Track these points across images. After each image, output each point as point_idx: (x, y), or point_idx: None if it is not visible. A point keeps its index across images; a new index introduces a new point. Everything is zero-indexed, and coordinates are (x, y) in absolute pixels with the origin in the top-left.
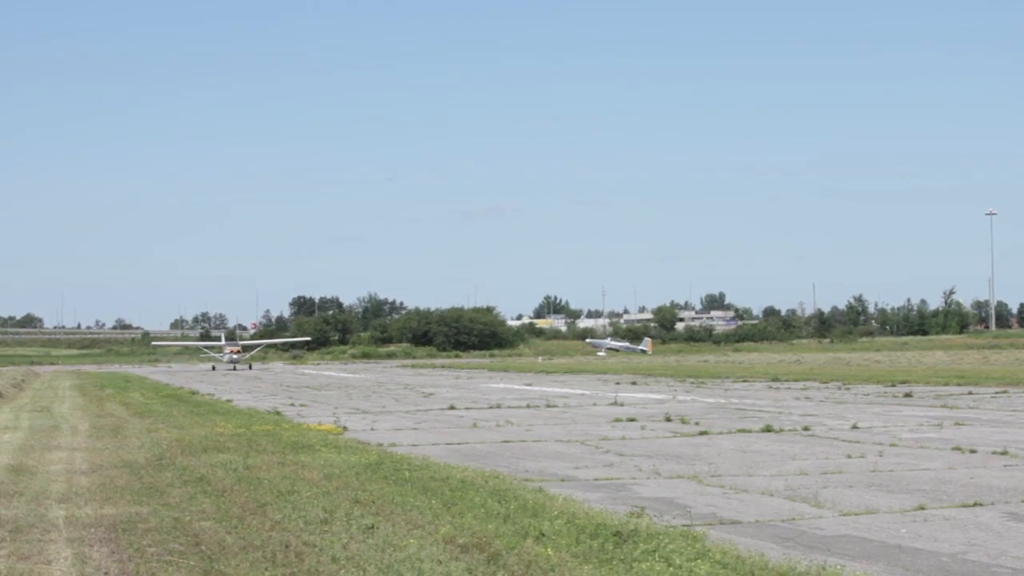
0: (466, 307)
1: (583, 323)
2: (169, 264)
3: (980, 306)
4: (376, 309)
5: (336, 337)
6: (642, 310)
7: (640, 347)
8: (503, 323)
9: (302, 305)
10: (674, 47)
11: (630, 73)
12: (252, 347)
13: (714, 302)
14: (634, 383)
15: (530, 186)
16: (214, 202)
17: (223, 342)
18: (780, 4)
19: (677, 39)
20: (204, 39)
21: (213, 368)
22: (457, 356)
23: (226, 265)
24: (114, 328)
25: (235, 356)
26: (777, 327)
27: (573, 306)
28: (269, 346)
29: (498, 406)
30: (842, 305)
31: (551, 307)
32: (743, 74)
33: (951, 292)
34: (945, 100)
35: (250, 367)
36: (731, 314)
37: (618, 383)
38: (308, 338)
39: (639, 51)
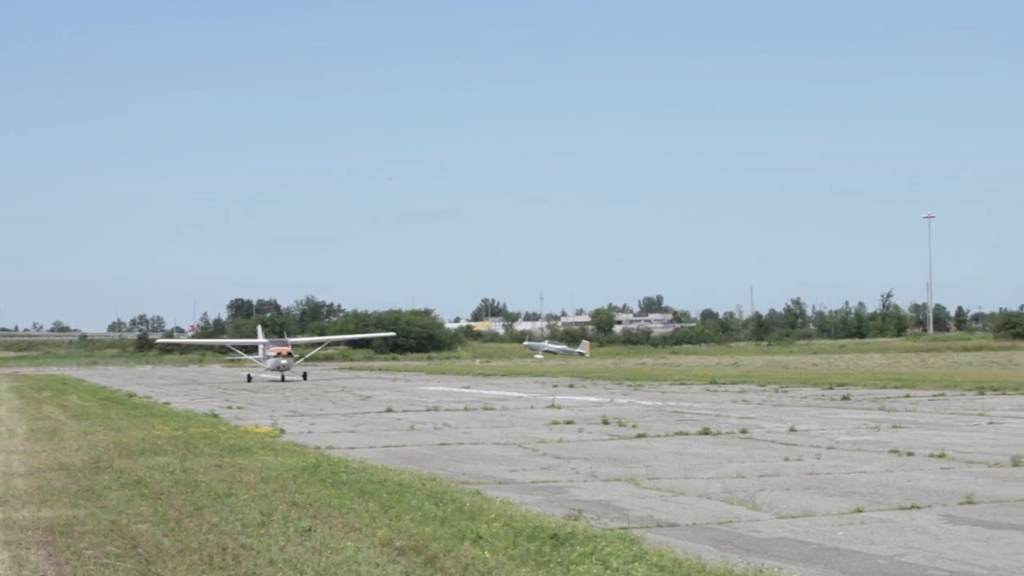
0: (404, 310)
1: (521, 326)
2: (106, 266)
3: (918, 309)
4: (314, 311)
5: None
6: (580, 313)
7: (578, 350)
8: (441, 326)
9: (239, 307)
10: (612, 46)
11: (566, 74)
12: (304, 346)
13: (652, 305)
14: (572, 386)
15: (468, 189)
16: (151, 203)
17: (264, 339)
18: (723, 2)
19: (615, 38)
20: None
21: (249, 379)
22: (395, 359)
23: (163, 267)
24: (52, 331)
25: (284, 361)
26: (715, 330)
27: (511, 309)
28: (329, 344)
29: (436, 409)
30: (780, 308)
31: (489, 310)
32: (684, 74)
33: (889, 295)
34: (882, 102)
35: (304, 377)
36: (669, 317)
37: (556, 386)
38: (391, 332)
39: (574, 51)
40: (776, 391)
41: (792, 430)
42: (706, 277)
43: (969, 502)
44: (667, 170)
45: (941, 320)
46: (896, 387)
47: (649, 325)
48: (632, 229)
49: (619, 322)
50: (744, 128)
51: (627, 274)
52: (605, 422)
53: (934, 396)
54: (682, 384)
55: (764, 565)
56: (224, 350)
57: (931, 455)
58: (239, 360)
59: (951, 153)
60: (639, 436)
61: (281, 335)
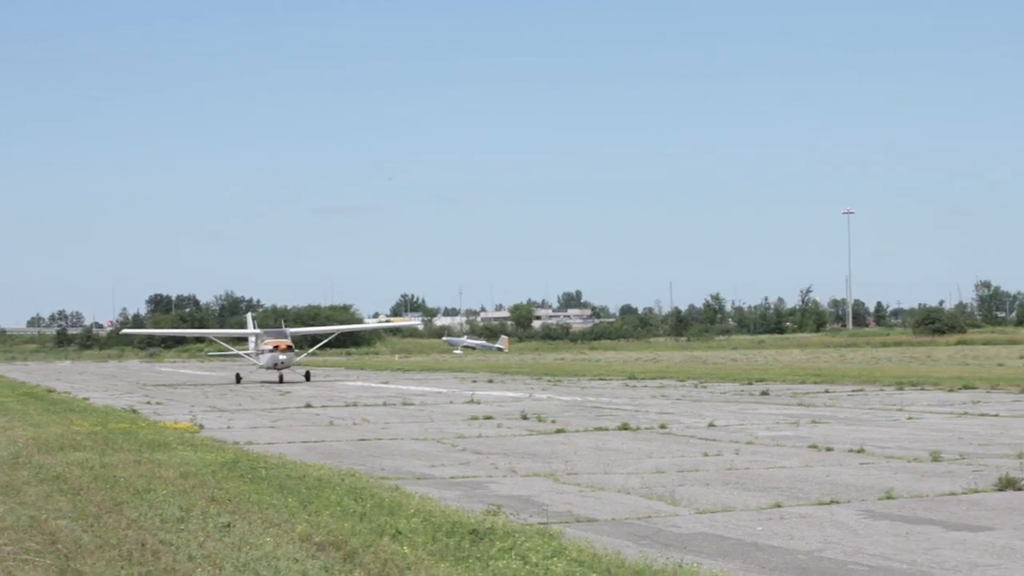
0: (323, 305)
1: (440, 321)
2: (24, 261)
3: (837, 305)
4: (233, 307)
5: (192, 337)
6: (499, 308)
7: (497, 345)
8: (360, 321)
9: (159, 303)
10: (530, 46)
11: (486, 71)
12: (307, 339)
13: (571, 300)
14: (491, 381)
15: (388, 184)
16: (69, 199)
17: (257, 329)
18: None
19: (534, 38)
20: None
21: (238, 379)
22: (313, 355)
23: (81, 262)
24: None
25: (282, 357)
26: (634, 325)
27: (430, 304)
28: (343, 335)
29: (355, 404)
30: (699, 303)
31: (408, 305)
32: (601, 73)
33: (808, 291)
34: (801, 97)
35: (307, 377)
36: (588, 312)
37: (475, 381)
38: (415, 323)
39: (496, 51)
40: (695, 386)
41: (711, 425)
42: (625, 273)
43: (888, 497)
44: (586, 167)
45: (860, 316)
46: (815, 382)
47: (568, 321)
48: (551, 225)
49: (538, 317)
50: (663, 125)
51: (546, 269)
52: (524, 417)
53: (853, 392)
54: (601, 379)
55: (683, 560)
56: (199, 340)
57: (850, 450)
58: (225, 355)
59: (870, 149)
60: (558, 431)
61: (277, 324)
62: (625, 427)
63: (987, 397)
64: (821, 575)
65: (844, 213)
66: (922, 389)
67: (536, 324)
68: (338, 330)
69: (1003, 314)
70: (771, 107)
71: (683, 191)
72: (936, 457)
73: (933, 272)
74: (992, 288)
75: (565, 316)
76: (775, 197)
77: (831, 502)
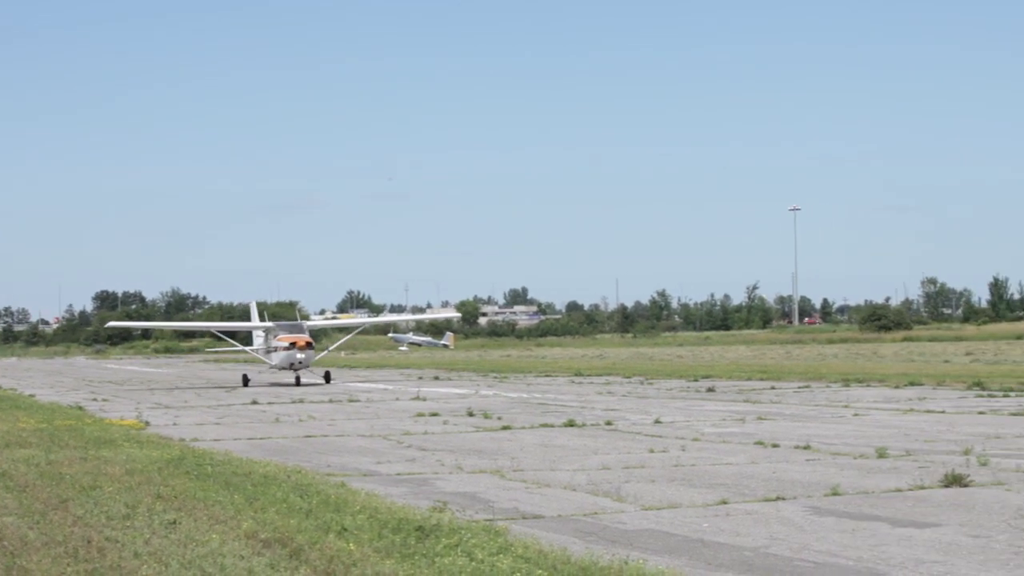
0: (269, 302)
1: (386, 318)
2: None
3: (783, 301)
4: (179, 304)
5: (139, 332)
6: (445, 305)
7: (442, 342)
8: (306, 318)
9: (105, 299)
10: (478, 43)
11: (431, 67)
12: (327, 333)
13: (517, 297)
14: (437, 378)
15: (333, 179)
16: (12, 195)
17: (266, 323)
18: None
19: (480, 34)
20: None
21: (245, 382)
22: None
23: (27, 259)
24: None
25: (300, 356)
26: (580, 322)
27: (376, 300)
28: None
29: (301, 401)
30: (645, 300)
31: (354, 301)
32: (546, 69)
33: (754, 287)
34: (747, 94)
35: (327, 379)
36: (534, 309)
37: (421, 378)
38: (455, 314)
39: (439, 46)
40: (641, 383)
41: (657, 422)
42: (571, 269)
43: (835, 494)
44: (534, 162)
45: (806, 312)
46: (761, 379)
47: (514, 317)
48: (497, 221)
49: (484, 314)
50: (610, 120)
51: (492, 266)
52: (471, 414)
53: (799, 388)
54: (547, 376)
55: (629, 556)
56: (188, 335)
57: (796, 447)
58: (220, 351)
59: (817, 145)
60: (504, 428)
61: (292, 316)
62: (571, 424)
63: (933, 394)
64: (767, 572)
65: (791, 210)
66: (868, 386)
67: (482, 321)
68: (364, 323)
69: (949, 311)
70: (718, 104)
71: (629, 188)
72: (882, 453)
73: (880, 269)
74: (938, 285)
75: (511, 313)
76: (722, 194)
77: (777, 498)
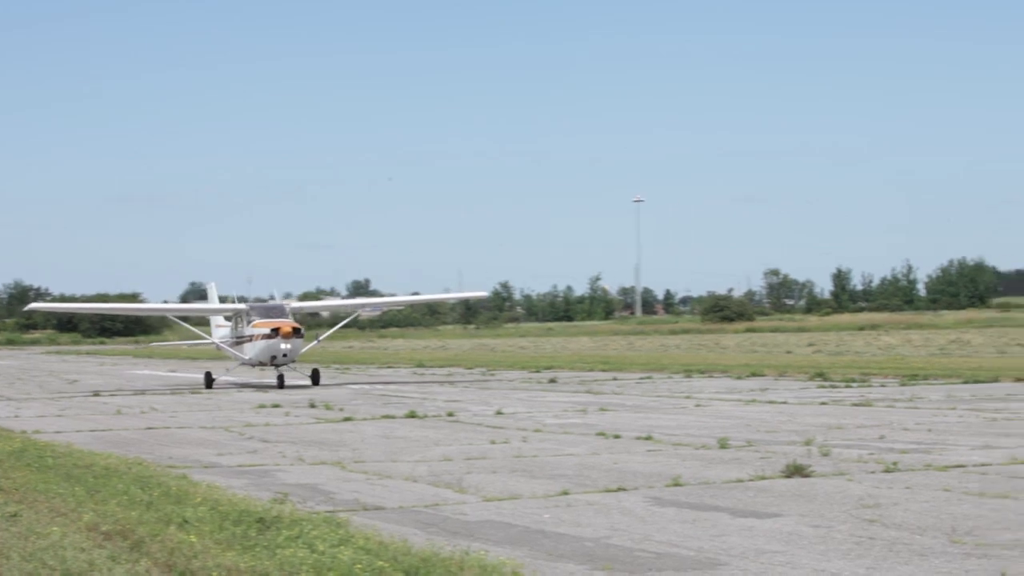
0: (112, 293)
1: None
2: None
3: (626, 292)
4: (21, 295)
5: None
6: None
7: None
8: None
9: None
10: (302, 40)
11: (267, 63)
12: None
13: (360, 288)
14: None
15: (175, 171)
16: None
17: (235, 304)
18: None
19: (312, 31)
20: None
21: (209, 382)
22: (102, 343)
23: None
24: None
25: (285, 346)
26: (423, 313)
27: (220, 292)
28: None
29: (143, 393)
30: (488, 291)
31: (197, 293)
32: (378, 66)
33: (597, 278)
34: (590, 85)
35: (315, 380)
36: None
37: (263, 369)
38: (483, 293)
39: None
40: (483, 374)
41: (499, 413)
42: (414, 261)
43: (676, 484)
44: (373, 152)
45: (649, 303)
46: (604, 370)
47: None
48: (338, 212)
49: None
50: (452, 111)
51: (335, 257)
52: (312, 405)
53: (641, 379)
54: (389, 367)
55: (471, 547)
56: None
57: (638, 438)
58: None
59: (660, 136)
60: (346, 419)
61: (271, 297)
62: (413, 415)
63: (775, 384)
64: (608, 562)
65: (634, 201)
66: (710, 376)
67: (325, 313)
68: (372, 303)
69: (791, 302)
70: (562, 95)
71: (472, 179)
72: (724, 444)
73: (723, 260)
74: (781, 276)
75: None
76: (565, 185)
77: (618, 489)
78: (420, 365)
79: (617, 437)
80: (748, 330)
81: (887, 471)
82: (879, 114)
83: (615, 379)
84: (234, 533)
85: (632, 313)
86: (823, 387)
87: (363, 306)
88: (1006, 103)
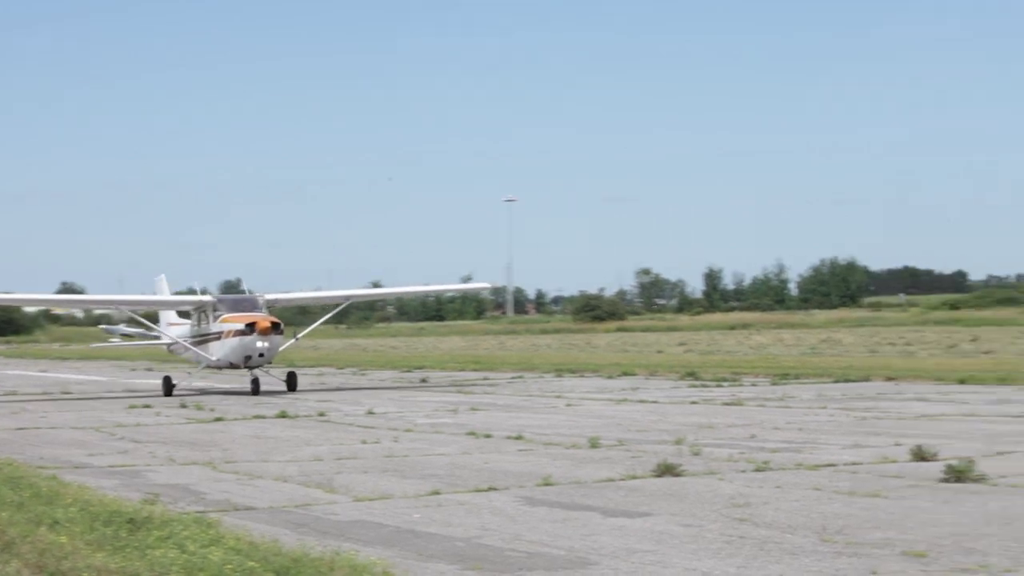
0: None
1: (100, 309)
2: None
3: (498, 292)
4: None
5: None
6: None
7: (154, 333)
8: (18, 308)
9: None
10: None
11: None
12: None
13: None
14: (150, 369)
15: (46, 168)
16: None
17: (197, 295)
18: None
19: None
20: None
21: (168, 389)
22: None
23: None
24: None
25: (262, 344)
26: (294, 313)
27: (91, 292)
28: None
29: (13, 393)
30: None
31: (69, 292)
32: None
33: (468, 278)
34: (461, 85)
35: (291, 384)
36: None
37: (134, 369)
38: (486, 284)
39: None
40: (355, 374)
41: (370, 413)
42: (283, 260)
43: (547, 484)
44: (246, 154)
45: (520, 303)
46: (475, 369)
47: None
48: (213, 211)
49: None
50: (320, 111)
51: (209, 256)
52: (183, 406)
53: (513, 378)
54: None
55: (341, 547)
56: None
57: (509, 437)
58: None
59: (532, 136)
60: (217, 419)
61: (239, 288)
62: (284, 415)
63: (646, 384)
64: (479, 562)
65: (506, 201)
66: (581, 376)
67: None
68: (352, 296)
69: (663, 301)
70: (430, 93)
71: (341, 178)
72: (595, 443)
73: (595, 260)
74: (652, 275)
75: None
76: (436, 184)
77: (489, 489)
78: (291, 365)
79: (488, 437)
80: (619, 329)
81: (758, 470)
82: (747, 111)
83: (486, 379)
84: (105, 534)
85: (503, 313)
86: (694, 386)
87: (349, 298)
88: (873, 98)
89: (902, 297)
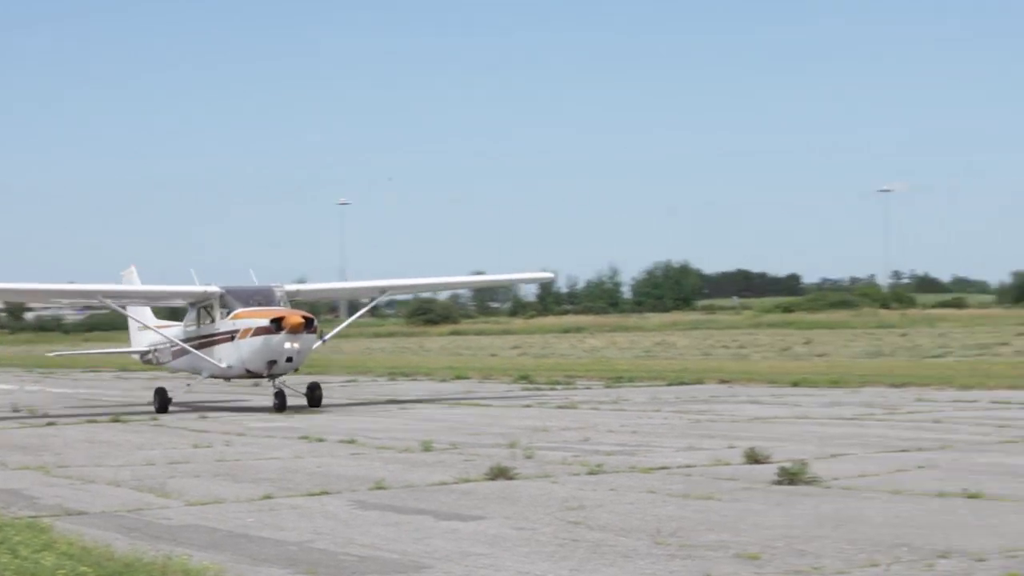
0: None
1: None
2: None
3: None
4: None
5: None
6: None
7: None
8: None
9: None
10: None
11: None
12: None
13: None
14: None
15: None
16: None
17: (198, 286)
18: None
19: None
20: None
21: (163, 404)
22: None
23: None
24: None
25: (292, 346)
26: (114, 317)
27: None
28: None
29: None
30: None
31: None
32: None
33: (301, 282)
34: (286, 90)
35: (313, 397)
36: (81, 305)
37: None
38: (549, 275)
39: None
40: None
41: (203, 417)
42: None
43: (380, 487)
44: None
45: (354, 307)
46: (308, 373)
47: (61, 312)
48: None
49: (31, 309)
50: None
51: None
52: (15, 410)
53: (346, 382)
54: (94, 372)
55: (174, 552)
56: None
57: (342, 441)
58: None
59: (363, 137)
60: (49, 424)
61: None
62: (117, 419)
63: (479, 387)
64: (311, 566)
65: (339, 204)
66: (414, 379)
67: (29, 316)
68: (416, 283)
69: (497, 304)
70: (265, 98)
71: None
72: (428, 447)
73: (429, 263)
74: None
75: (58, 308)
76: (269, 188)
77: (322, 493)
78: (123, 369)
79: (321, 440)
80: (453, 333)
81: (592, 473)
82: (583, 114)
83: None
84: None
85: (337, 316)
86: (528, 389)
87: (385, 290)
88: (714, 101)
89: (735, 300)
